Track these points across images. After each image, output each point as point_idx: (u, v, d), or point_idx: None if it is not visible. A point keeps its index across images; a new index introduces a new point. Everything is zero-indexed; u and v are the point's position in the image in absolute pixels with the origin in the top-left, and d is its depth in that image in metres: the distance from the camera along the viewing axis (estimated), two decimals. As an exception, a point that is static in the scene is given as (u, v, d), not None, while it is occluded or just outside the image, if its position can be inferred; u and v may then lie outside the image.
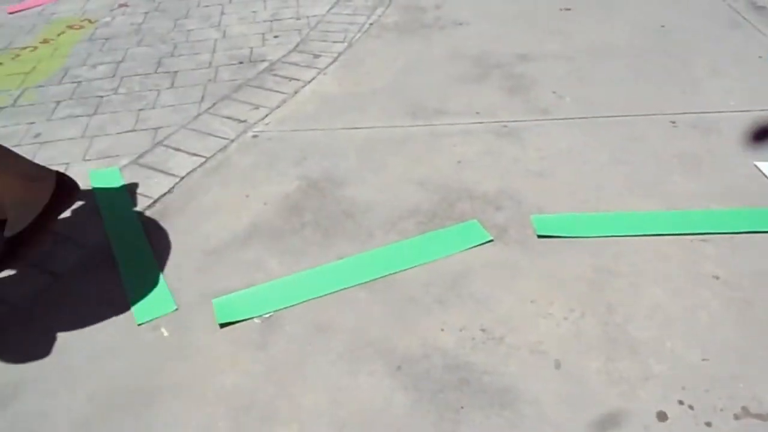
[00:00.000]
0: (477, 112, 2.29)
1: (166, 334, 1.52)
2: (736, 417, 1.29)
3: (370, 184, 1.96)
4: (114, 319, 1.57)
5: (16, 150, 1.72)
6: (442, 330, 1.48)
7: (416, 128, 2.21)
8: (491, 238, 1.73)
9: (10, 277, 1.70)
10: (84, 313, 1.58)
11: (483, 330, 1.48)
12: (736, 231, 1.72)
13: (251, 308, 1.57)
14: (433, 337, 1.47)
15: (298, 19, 3.09)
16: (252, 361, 1.44)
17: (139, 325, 1.54)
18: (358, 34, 2.90)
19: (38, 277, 1.69)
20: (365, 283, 1.62)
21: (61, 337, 1.53)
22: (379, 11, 3.12)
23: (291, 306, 1.57)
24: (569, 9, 3.07)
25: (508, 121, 2.23)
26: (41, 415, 1.35)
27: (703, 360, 1.40)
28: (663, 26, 2.86)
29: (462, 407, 1.32)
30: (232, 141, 2.19)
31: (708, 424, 1.28)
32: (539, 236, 1.73)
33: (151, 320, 1.55)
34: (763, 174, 1.93)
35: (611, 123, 2.19)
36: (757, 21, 2.86)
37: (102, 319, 1.57)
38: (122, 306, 1.60)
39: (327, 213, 1.85)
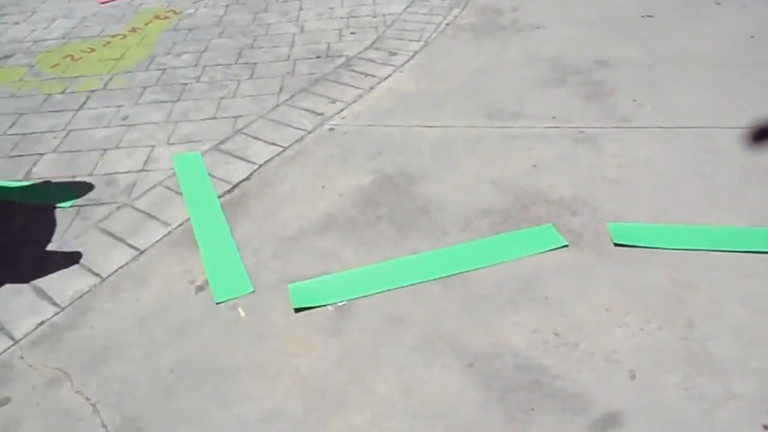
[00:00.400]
0: (553, 117, 2.26)
1: (243, 314, 1.57)
2: (823, 444, 1.24)
3: (445, 182, 1.96)
4: (195, 296, 1.63)
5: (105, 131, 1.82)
6: (515, 331, 1.48)
7: (491, 129, 2.21)
8: (566, 243, 1.71)
9: (99, 249, 1.79)
10: (166, 288, 1.66)
11: (556, 334, 1.47)
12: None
13: (326, 295, 1.60)
14: (505, 337, 1.47)
15: (375, 17, 3.13)
16: (326, 347, 1.48)
17: (218, 303, 1.60)
18: (434, 34, 2.91)
19: (125, 251, 1.78)
20: (439, 278, 1.63)
21: (146, 309, 1.60)
22: (455, 12, 3.13)
23: (364, 296, 1.59)
24: (651, 16, 2.99)
25: (585, 127, 2.19)
26: (127, 380, 1.43)
27: (790, 383, 1.35)
28: (753, 36, 2.75)
29: (533, 409, 1.31)
30: (309, 132, 2.24)
31: (792, 450, 1.23)
32: (616, 244, 1.70)
33: (229, 300, 1.61)
34: None
35: (693, 134, 2.13)
36: None
37: (184, 295, 1.64)
38: (202, 284, 1.66)
39: (402, 208, 1.87)
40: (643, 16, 3.00)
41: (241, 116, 2.36)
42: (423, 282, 1.62)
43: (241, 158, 2.12)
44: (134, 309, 1.60)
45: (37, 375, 1.45)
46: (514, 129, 2.20)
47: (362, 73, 2.60)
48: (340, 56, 2.75)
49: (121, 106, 2.48)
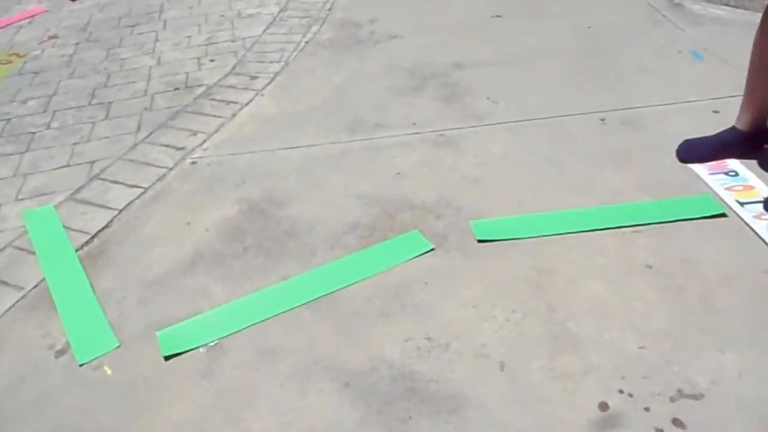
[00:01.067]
0: (414, 123, 2.33)
1: (109, 372, 1.49)
2: (672, 399, 1.34)
3: (311, 202, 1.97)
4: (56, 361, 1.53)
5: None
6: (388, 342, 1.50)
7: (355, 143, 2.24)
8: (432, 246, 1.76)
9: (-59, 327, 1.64)
10: (23, 357, 1.54)
11: (428, 339, 1.50)
12: (665, 220, 1.80)
13: (196, 338, 1.55)
14: (378, 350, 1.48)
15: (234, 41, 3.09)
16: (199, 391, 1.43)
17: (81, 365, 1.51)
18: (294, 53, 2.92)
19: (-28, 324, 1.64)
20: (309, 302, 1.62)
21: (4, 383, 1.48)
22: (314, 29, 3.15)
23: (236, 332, 1.56)
24: (500, 16, 3.16)
25: (444, 130, 2.27)
26: (-20, 469, 1.31)
27: (640, 348, 1.45)
28: (589, 27, 2.97)
29: (410, 417, 1.34)
30: (171, 169, 2.17)
31: (647, 410, 1.32)
32: (479, 241, 1.77)
33: (93, 360, 1.52)
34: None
35: (543, 125, 2.26)
36: (676, 18, 3.00)
37: (42, 362, 1.53)
38: (63, 348, 1.56)
39: (269, 234, 1.85)
40: (492, 17, 3.16)
41: (97, 160, 2.24)
42: (294, 308, 1.61)
43: (99, 205, 2.02)
44: (-14, 387, 1.48)
45: None
46: (377, 140, 2.24)
47: (223, 101, 2.55)
48: (199, 86, 2.69)
49: (-45, 166, 2.29)
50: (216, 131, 2.36)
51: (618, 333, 1.49)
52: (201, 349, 1.53)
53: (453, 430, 1.31)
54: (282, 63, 2.83)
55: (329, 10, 3.36)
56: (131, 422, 1.37)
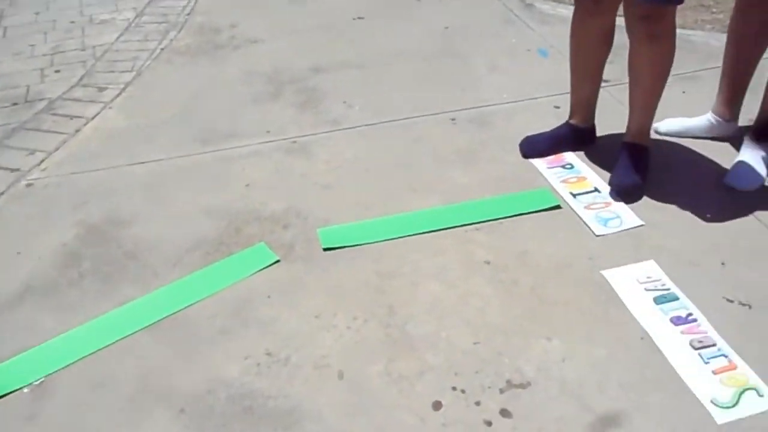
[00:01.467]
0: (268, 131, 2.30)
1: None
2: (501, 391, 1.41)
3: (155, 221, 1.90)
4: None
5: None
6: (227, 361, 1.48)
7: (205, 155, 2.18)
8: (278, 258, 1.75)
9: None
10: None
11: (268, 354, 1.49)
12: (503, 216, 1.89)
13: (18, 378, 1.45)
14: (217, 371, 1.46)
15: (84, 50, 2.92)
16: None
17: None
18: (149, 62, 2.80)
19: None
20: (148, 326, 1.56)
21: None
22: (171, 35, 3.03)
23: (64, 367, 1.47)
24: (362, 18, 3.19)
25: (298, 137, 2.26)
26: None
27: (475, 344, 1.51)
28: (447, 28, 3.05)
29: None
30: (2, 193, 2.01)
31: (477, 404, 1.38)
32: (325, 249, 1.78)
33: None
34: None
35: (396, 127, 2.30)
36: (528, 17, 3.15)
37: None
38: None
39: (108, 258, 1.77)
40: (354, 19, 3.18)
41: None
42: (131, 334, 1.55)
43: None
44: None
45: None
46: (228, 150, 2.20)
47: (67, 116, 2.40)
48: (41, 99, 2.52)
49: None
50: (56, 149, 2.22)
51: (454, 331, 1.54)
52: (25, 390, 1.43)
53: (288, 446, 1.31)
54: (134, 73, 2.70)
55: (188, 14, 3.25)
56: None
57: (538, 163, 2.11)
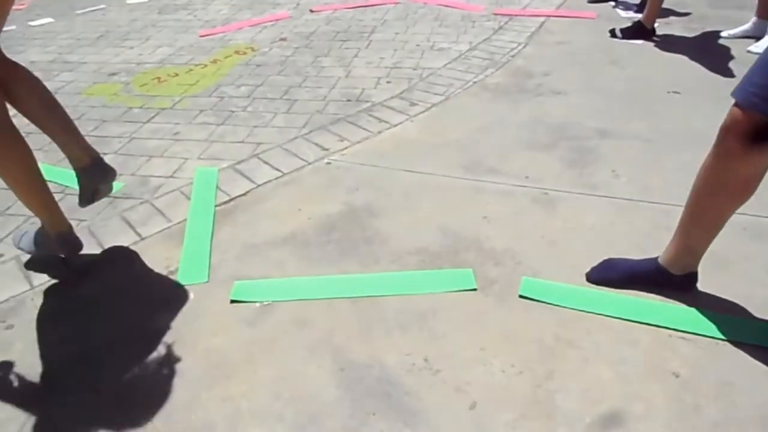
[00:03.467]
0: (526, 177, 2.44)
1: (191, 296, 1.95)
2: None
3: (399, 220, 2.23)
4: (166, 278, 2.04)
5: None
6: (392, 350, 1.71)
7: (464, 181, 2.44)
8: (475, 287, 1.91)
9: (113, 232, 2.27)
10: (148, 268, 2.08)
11: (425, 359, 1.68)
12: (721, 337, 1.70)
13: (259, 294, 1.94)
14: (381, 354, 1.70)
15: (415, 69, 3.47)
16: (239, 332, 1.80)
17: (177, 287, 2.00)
18: (459, 90, 3.19)
19: (131, 236, 2.24)
20: (352, 297, 1.90)
21: (126, 279, 2.03)
22: (489, 71, 3.38)
23: (287, 300, 1.91)
24: (678, 93, 3.04)
25: (551, 189, 2.35)
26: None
27: None
28: None
29: (374, 414, 1.54)
30: (309, 164, 2.61)
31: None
32: (520, 296, 1.87)
33: (187, 284, 2.00)
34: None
35: (653, 210, 2.21)
36: None
37: (158, 277, 2.05)
38: (174, 270, 2.07)
39: (352, 236, 2.17)
40: (669, 92, 3.06)
41: (263, 143, 2.79)
42: (338, 297, 1.90)
43: (246, 177, 2.54)
44: (118, 277, 2.04)
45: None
46: (484, 183, 2.42)
47: (378, 119, 2.94)
48: (367, 102, 3.12)
49: (178, 123, 3.03)
50: (359, 142, 2.75)
51: (597, 418, 1.50)
52: (257, 304, 1.91)
53: (402, 439, 1.49)
54: (443, 97, 3.12)
55: (513, 56, 3.56)
56: (182, 334, 1.79)
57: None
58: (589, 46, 3.67)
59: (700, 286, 1.86)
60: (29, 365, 1.75)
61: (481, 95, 3.14)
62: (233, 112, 3.12)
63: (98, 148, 2.83)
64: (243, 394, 1.62)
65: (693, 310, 1.79)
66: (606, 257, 1.99)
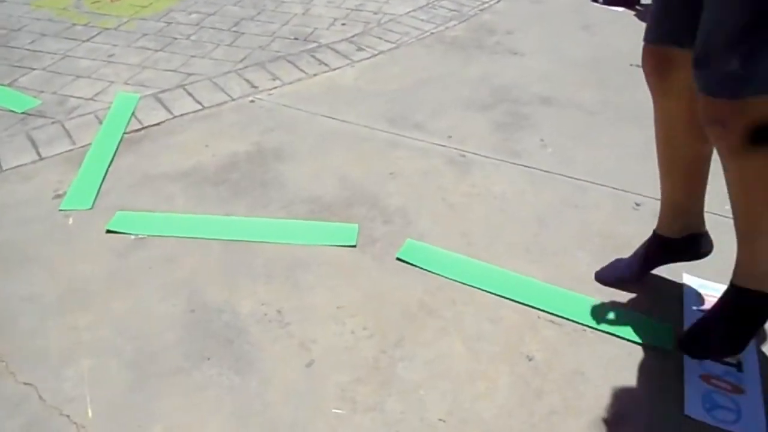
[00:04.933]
0: (449, 136, 2.34)
1: (70, 222, 1.91)
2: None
3: (304, 167, 2.16)
4: (50, 201, 1.99)
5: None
6: (253, 296, 1.67)
7: (383, 134, 2.34)
8: (354, 244, 1.85)
9: (14, 149, 2.22)
10: (35, 188, 2.04)
11: (278, 311, 1.64)
12: (592, 325, 1.63)
13: (135, 227, 1.89)
14: (238, 300, 1.66)
15: (376, 14, 3.31)
16: (105, 263, 1.77)
17: (60, 210, 1.95)
18: (413, 40, 3.04)
19: (32, 155, 2.19)
20: (228, 240, 1.85)
21: (8, 197, 2.00)
22: (451, 24, 3.22)
23: (162, 236, 1.86)
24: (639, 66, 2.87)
25: (470, 152, 2.25)
26: (-42, 246, 1.83)
27: (439, 420, 1.39)
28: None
29: (209, 359, 1.51)
30: (233, 100, 2.52)
31: (398, 468, 1.31)
32: (397, 259, 1.80)
33: (69, 209, 1.96)
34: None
35: (569, 185, 2.10)
36: None
37: (42, 196, 2.00)
38: (62, 194, 2.02)
39: (251, 177, 2.10)
40: (631, 65, 2.89)
41: (194, 74, 2.70)
42: (213, 239, 1.85)
43: (165, 107, 2.46)
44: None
45: None
46: (403, 138, 2.32)
47: (318, 60, 2.82)
48: (314, 42, 2.99)
49: (116, 45, 2.93)
50: (290, 83, 2.65)
51: (434, 395, 1.46)
52: (132, 236, 1.87)
53: (222, 384, 1.46)
54: (394, 45, 2.98)
55: (481, 11, 3.38)
56: (48, 259, 1.76)
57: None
58: (565, 7, 3.47)
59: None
60: None
61: (434, 47, 3.00)
62: (176, 39, 3.01)
63: (28, 63, 2.78)
64: (89, 325, 1.60)
65: (578, 296, 1.71)
66: (501, 227, 1.92)
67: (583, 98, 2.61)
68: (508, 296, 1.69)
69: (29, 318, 1.62)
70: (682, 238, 1.66)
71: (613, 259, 1.79)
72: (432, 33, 3.12)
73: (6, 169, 2.13)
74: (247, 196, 2.02)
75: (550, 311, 1.65)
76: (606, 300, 1.69)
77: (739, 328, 1.51)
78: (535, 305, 1.67)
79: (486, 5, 3.45)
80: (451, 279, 1.74)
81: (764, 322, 1.53)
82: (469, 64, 2.87)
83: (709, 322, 1.55)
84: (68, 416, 1.39)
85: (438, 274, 1.76)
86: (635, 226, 1.92)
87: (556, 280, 1.74)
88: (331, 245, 1.85)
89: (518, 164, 2.21)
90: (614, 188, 2.09)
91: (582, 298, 1.69)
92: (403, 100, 2.57)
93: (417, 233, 1.89)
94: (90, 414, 1.39)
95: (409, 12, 3.33)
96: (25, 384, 1.46)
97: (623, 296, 1.70)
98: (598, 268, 1.78)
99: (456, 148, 2.28)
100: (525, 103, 2.57)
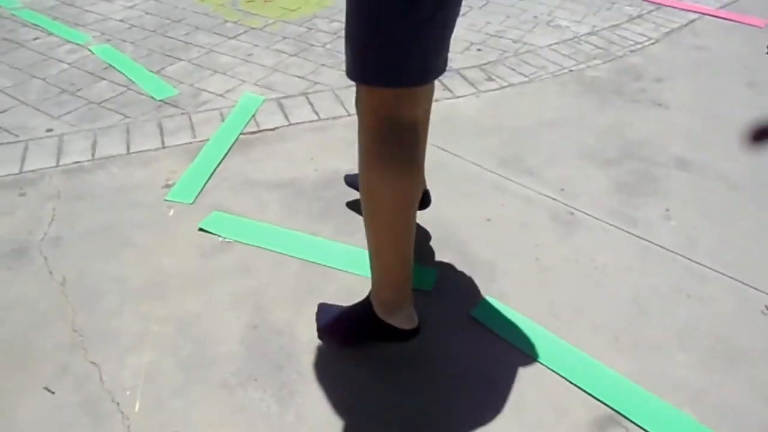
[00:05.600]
0: (561, 189, 2.15)
1: (171, 214, 2.02)
2: None
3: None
4: (159, 189, 2.12)
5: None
6: (311, 326, 1.64)
7: (490, 174, 2.22)
8: (430, 289, 1.76)
9: (143, 134, 2.39)
10: (148, 175, 2.18)
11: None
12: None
13: (225, 230, 1.95)
14: (300, 324, 1.65)
15: (515, 42, 3.16)
16: (190, 260, 1.84)
17: (165, 200, 2.07)
18: (548, 75, 2.86)
19: (156, 142, 2.35)
20: (307, 261, 1.84)
21: (123, 181, 2.15)
22: (594, 62, 2.98)
23: (248, 244, 1.90)
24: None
25: (579, 210, 2.06)
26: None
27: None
28: None
29: (255, 380, 1.51)
30: (349, 115, 2.52)
31: None
32: (469, 315, 1.69)
33: (172, 201, 2.07)
34: None
35: (687, 269, 1.84)
36: None
37: (152, 185, 2.14)
38: (171, 185, 2.14)
39: (345, 199, 2.08)
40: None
41: (320, 83, 2.74)
42: (293, 256, 1.86)
43: (284, 113, 2.52)
44: (115, 182, 2.16)
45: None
46: (511, 183, 2.17)
47: (444, 86, 2.74)
48: (450, 69, 2.91)
49: (257, 45, 3.07)
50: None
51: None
52: (220, 238, 1.93)
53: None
54: (526, 78, 2.82)
55: (632, 51, 3.10)
56: (139, 247, 1.87)
57: None
58: (732, 58, 3.07)
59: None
60: (14, 229, 1.94)
61: (568, 86, 2.79)
62: (312, 45, 3.08)
63: (178, 53, 3.00)
64: (158, 318, 1.67)
65: (668, 406, 1.46)
66: (593, 305, 1.72)
67: (727, 168, 2.29)
68: (582, 386, 1.52)
69: (112, 298, 1.72)
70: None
71: (720, 368, 1.54)
72: (570, 70, 2.91)
73: (132, 152, 2.30)
74: (336, 218, 2.01)
75: (629, 416, 1.45)
76: (707, 422, 1.45)
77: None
78: (611, 405, 1.47)
79: (639, 46, 3.16)
80: (521, 350, 1.60)
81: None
82: (603, 109, 2.63)
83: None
84: (118, 404, 1.46)
85: (509, 342, 1.62)
86: (759, 335, 1.64)
87: (644, 380, 1.53)
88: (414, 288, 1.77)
89: (632, 234, 1.98)
90: (741, 282, 1.80)
91: (673, 410, 1.46)
92: (521, 140, 2.41)
93: (498, 291, 1.76)
94: (137, 408, 1.45)
95: (551, 44, 3.14)
96: (92, 363, 1.55)
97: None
98: (700, 376, 1.54)
99: (565, 204, 2.09)
100: (657, 163, 2.31)
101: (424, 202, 1.91)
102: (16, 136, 2.38)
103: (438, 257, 1.87)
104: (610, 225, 2.01)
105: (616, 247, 1.93)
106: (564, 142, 2.42)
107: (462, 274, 1.82)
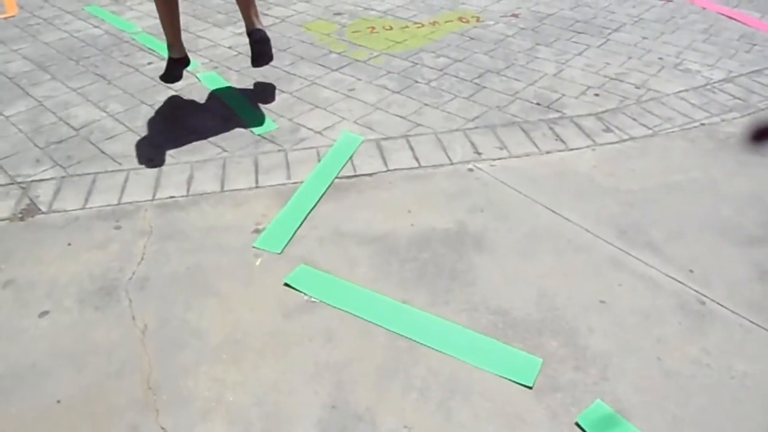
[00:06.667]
0: (690, 270, 1.87)
1: (257, 263, 1.93)
2: None
3: (501, 265, 1.90)
4: (249, 234, 2.04)
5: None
6: (394, 415, 1.48)
7: (605, 245, 1.96)
8: (531, 385, 1.54)
9: (239, 171, 2.34)
10: (238, 218, 2.11)
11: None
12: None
13: (311, 288, 1.83)
14: (382, 410, 1.49)
15: (638, 87, 2.86)
16: (272, 319, 1.74)
17: (253, 247, 1.99)
18: (675, 129, 2.55)
19: (250, 181, 2.29)
20: (395, 333, 1.69)
21: (213, 222, 2.09)
22: (730, 115, 2.63)
23: (332, 306, 1.77)
24: None
25: (713, 300, 1.77)
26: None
27: None
28: None
29: None
30: (451, 164, 2.35)
31: None
32: (576, 424, 1.46)
33: (261, 249, 1.98)
34: None
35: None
36: None
37: (243, 228, 2.06)
38: (261, 230, 2.06)
39: (441, 262, 1.91)
40: None
41: (421, 125, 2.59)
42: (381, 326, 1.70)
43: (383, 158, 2.39)
44: (206, 221, 2.11)
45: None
46: (630, 258, 1.91)
47: (556, 135, 2.50)
48: (557, 112, 2.67)
49: (360, 79, 2.97)
50: (518, 156, 2.38)
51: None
52: (305, 297, 1.81)
53: None
54: (650, 131, 2.53)
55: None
56: (219, 295, 1.79)
57: None
58: None
59: None
60: (106, 265, 1.92)
61: (699, 143, 2.47)
62: (416, 82, 2.94)
63: (281, 85, 2.96)
64: (234, 384, 1.57)
65: None
66: (729, 426, 1.44)
67: None
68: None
69: (189, 354, 1.65)
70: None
71: None
72: (702, 124, 2.58)
73: (226, 190, 2.25)
74: (431, 285, 1.84)
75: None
76: None
77: None
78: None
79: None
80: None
81: None
82: (741, 174, 2.30)
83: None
84: (183, 482, 1.36)
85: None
86: None
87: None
88: (504, 377, 1.57)
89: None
90: None
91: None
92: (643, 205, 2.14)
93: (612, 396, 1.52)
94: (202, 489, 1.35)
95: (680, 92, 2.81)
96: (162, 429, 1.47)
97: None
98: None
99: (695, 290, 1.81)
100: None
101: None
102: (120, 164, 2.40)
103: (542, 343, 1.66)
104: (752, 323, 1.71)
105: (760, 352, 1.63)
106: (693, 211, 2.12)
107: (569, 367, 1.60)
